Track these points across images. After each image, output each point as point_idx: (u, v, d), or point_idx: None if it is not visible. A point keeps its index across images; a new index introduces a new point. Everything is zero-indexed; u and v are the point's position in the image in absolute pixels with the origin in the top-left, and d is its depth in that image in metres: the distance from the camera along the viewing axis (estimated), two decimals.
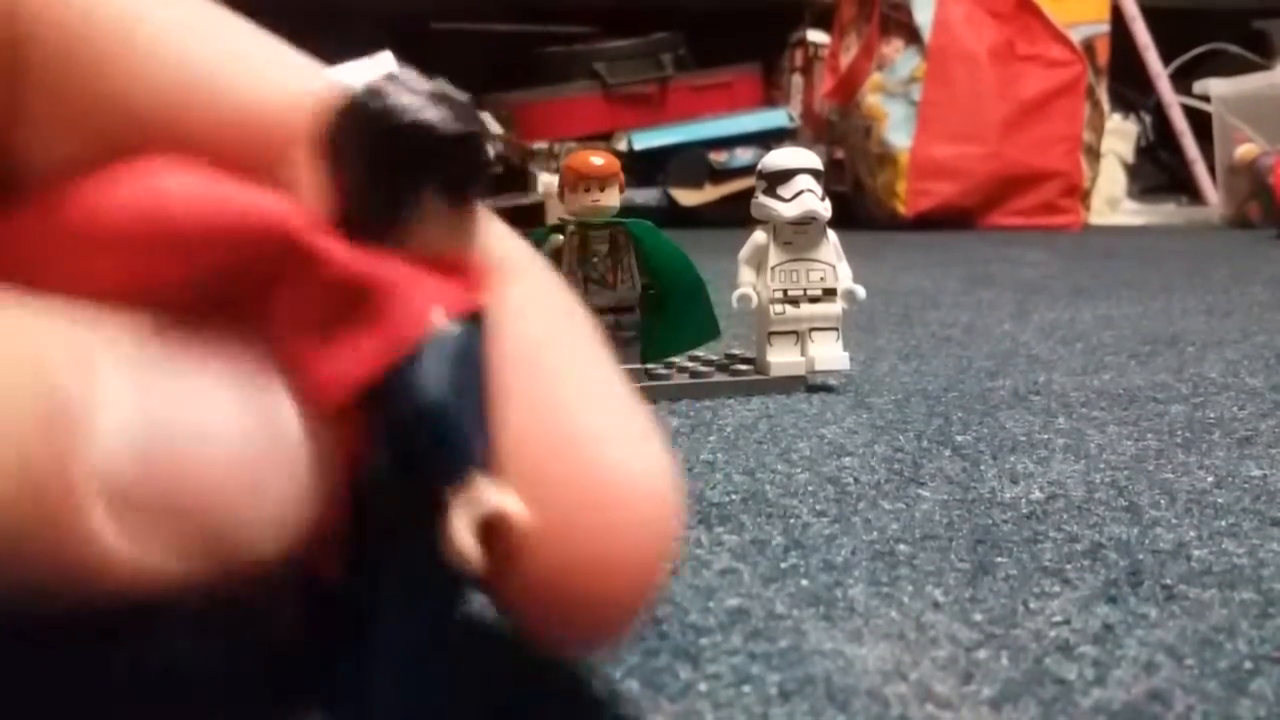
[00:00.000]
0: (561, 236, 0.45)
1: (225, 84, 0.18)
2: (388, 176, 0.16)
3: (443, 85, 0.17)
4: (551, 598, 0.17)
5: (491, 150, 0.16)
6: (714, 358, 0.50)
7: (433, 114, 0.16)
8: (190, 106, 0.18)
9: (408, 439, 0.15)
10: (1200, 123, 2.03)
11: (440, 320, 0.16)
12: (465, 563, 0.15)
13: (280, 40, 0.20)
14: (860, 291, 0.47)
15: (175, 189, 0.16)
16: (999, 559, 0.26)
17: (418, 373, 0.15)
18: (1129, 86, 2.18)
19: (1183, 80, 2.08)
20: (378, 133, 0.16)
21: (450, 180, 0.16)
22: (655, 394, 0.46)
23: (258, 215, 0.16)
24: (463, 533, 0.15)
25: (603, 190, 0.44)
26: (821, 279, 0.47)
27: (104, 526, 0.15)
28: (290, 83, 0.19)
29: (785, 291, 0.47)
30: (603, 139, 1.91)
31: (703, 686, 0.19)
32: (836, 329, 0.47)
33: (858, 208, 1.83)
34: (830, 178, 0.49)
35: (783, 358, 0.47)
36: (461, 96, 0.16)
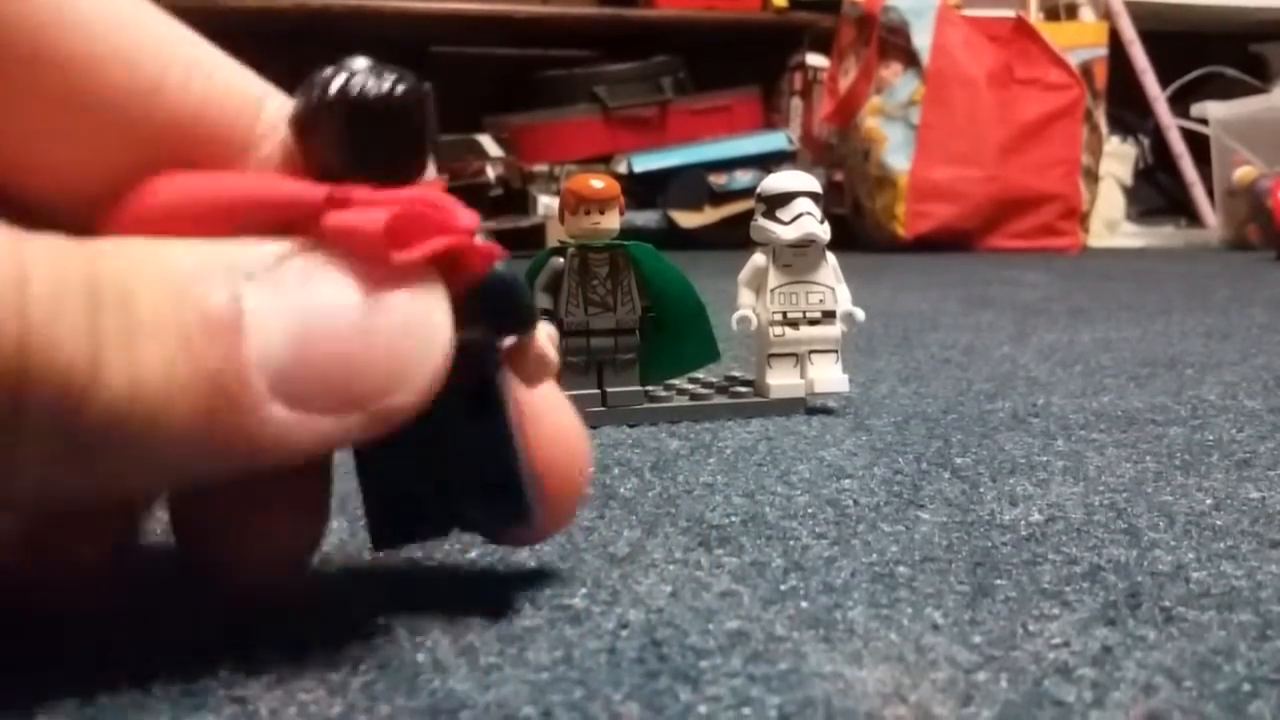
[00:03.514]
0: (562, 259, 0.45)
1: (201, 81, 0.20)
2: (355, 145, 0.20)
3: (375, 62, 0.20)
4: (543, 459, 0.23)
5: (431, 111, 0.21)
6: (714, 380, 0.50)
7: (384, 85, 0.20)
8: (166, 102, 0.21)
9: (502, 302, 0.22)
10: (1198, 145, 2.04)
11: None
12: (545, 363, 0.23)
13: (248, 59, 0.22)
14: (859, 314, 0.47)
15: (216, 183, 0.20)
16: (998, 581, 0.26)
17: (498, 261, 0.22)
18: (1127, 110, 2.19)
19: (1181, 103, 2.09)
20: (341, 109, 0.20)
21: (405, 140, 0.20)
22: (655, 416, 0.46)
23: (280, 191, 0.20)
24: (545, 344, 0.23)
25: (603, 213, 0.44)
26: (821, 301, 0.47)
27: (275, 408, 0.19)
28: (234, 81, 0.21)
29: (785, 314, 0.47)
30: (603, 162, 1.92)
31: (702, 709, 0.19)
32: (836, 351, 0.47)
33: (857, 230, 1.83)
34: (829, 200, 0.50)
35: (782, 380, 0.47)
36: (398, 70, 0.20)
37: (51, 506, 0.20)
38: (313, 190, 0.20)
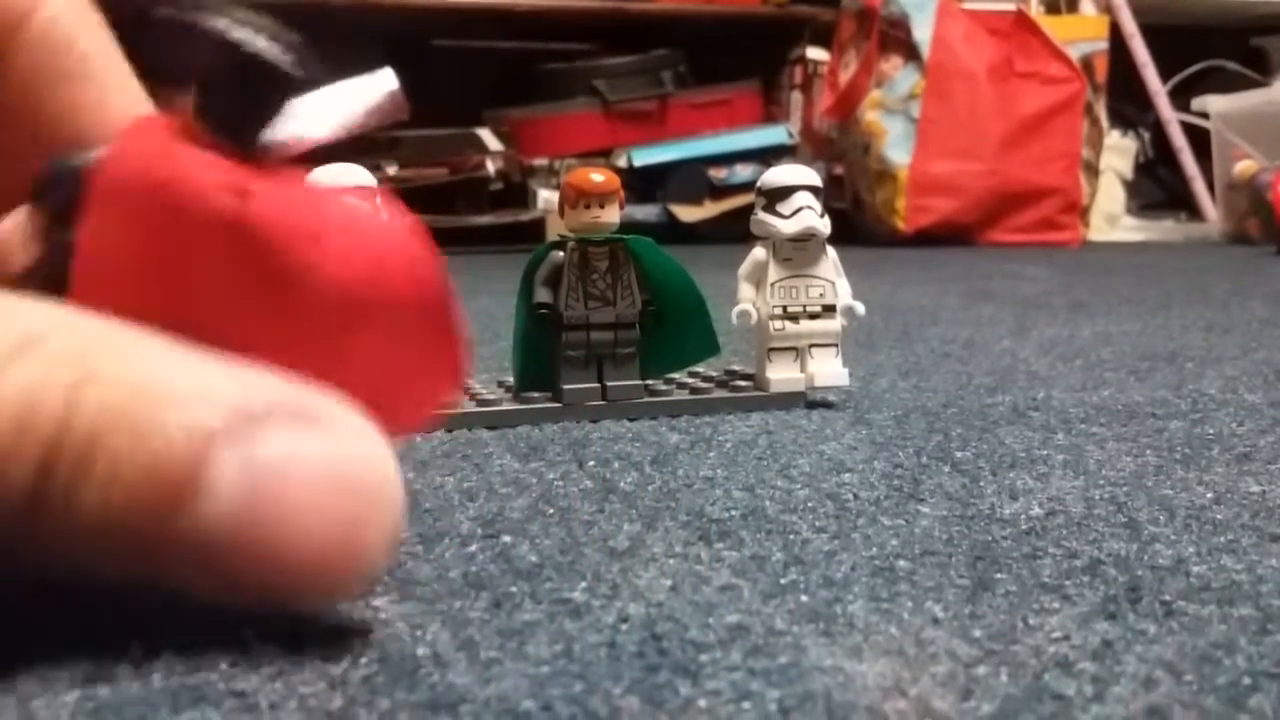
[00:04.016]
0: (562, 253, 0.45)
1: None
2: (239, 99, 0.21)
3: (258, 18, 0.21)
4: None
5: (300, 67, 0.22)
6: (714, 374, 0.50)
7: (260, 44, 0.20)
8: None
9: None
10: (1199, 139, 2.03)
11: None
12: None
13: None
14: (860, 308, 0.47)
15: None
16: (998, 575, 0.26)
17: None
18: (1128, 103, 2.19)
19: (1181, 97, 2.09)
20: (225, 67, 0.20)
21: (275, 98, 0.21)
22: (655, 410, 0.46)
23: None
24: None
25: (603, 207, 0.44)
26: (821, 295, 0.47)
27: (197, 575, 0.20)
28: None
29: (785, 308, 0.47)
30: (603, 155, 1.92)
31: (702, 703, 0.19)
32: (836, 345, 0.47)
33: (857, 224, 1.83)
34: (829, 194, 0.49)
35: (782, 374, 0.47)
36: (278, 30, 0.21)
37: None
38: (218, 195, 0.20)
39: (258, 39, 0.20)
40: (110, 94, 0.24)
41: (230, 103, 0.21)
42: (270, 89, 0.21)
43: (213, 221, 0.20)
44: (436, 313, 0.23)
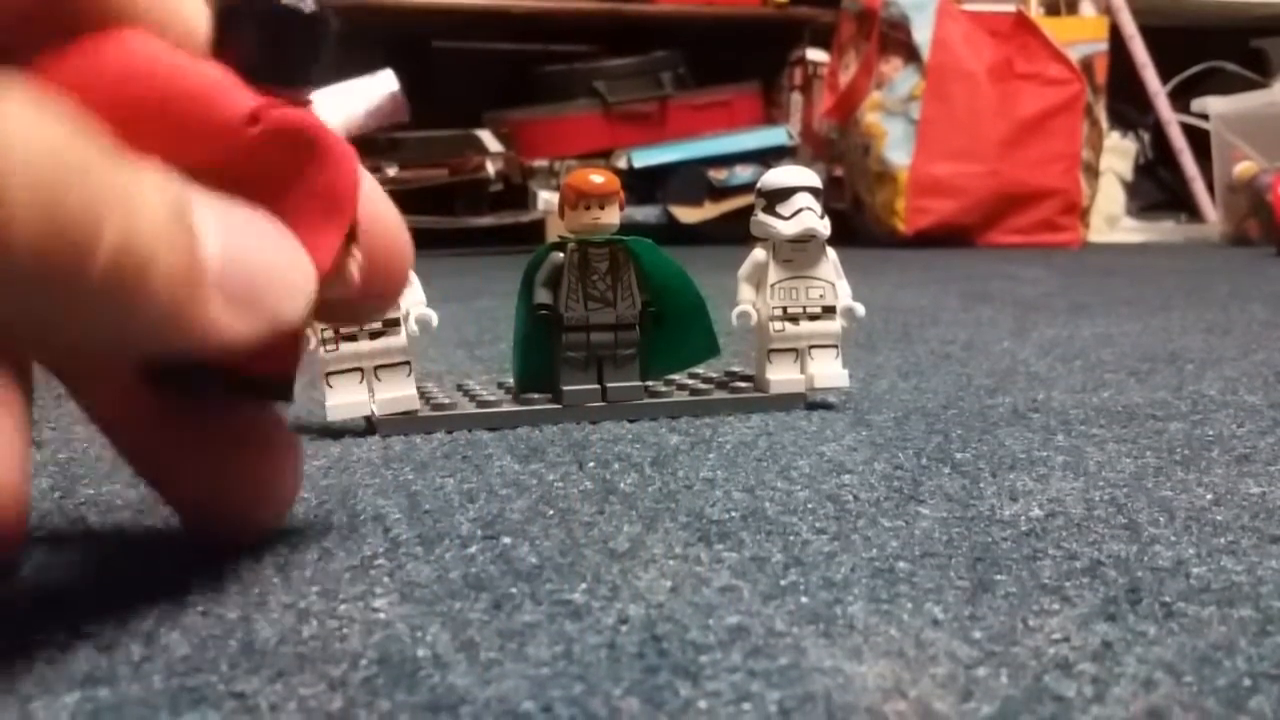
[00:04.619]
0: (562, 254, 0.45)
1: None
2: (267, 49, 0.23)
3: None
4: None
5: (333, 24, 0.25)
6: (714, 375, 0.50)
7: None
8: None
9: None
10: (1199, 140, 2.03)
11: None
12: None
13: None
14: (859, 309, 0.47)
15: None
16: (998, 576, 0.26)
17: None
18: (1128, 105, 2.19)
19: (1181, 98, 2.09)
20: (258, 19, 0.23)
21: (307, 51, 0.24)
22: (655, 411, 0.46)
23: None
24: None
25: (603, 208, 0.44)
26: (821, 296, 0.47)
27: (215, 298, 0.21)
28: None
29: (785, 309, 0.47)
30: (603, 157, 1.92)
31: (702, 704, 0.19)
32: (836, 346, 0.47)
33: (857, 225, 1.83)
34: (829, 195, 0.49)
35: (782, 375, 0.47)
36: None
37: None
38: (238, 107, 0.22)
39: None
40: None
41: (268, 51, 0.23)
42: (301, 36, 0.23)
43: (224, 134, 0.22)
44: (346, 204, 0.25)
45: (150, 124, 0.21)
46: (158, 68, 0.22)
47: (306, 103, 0.24)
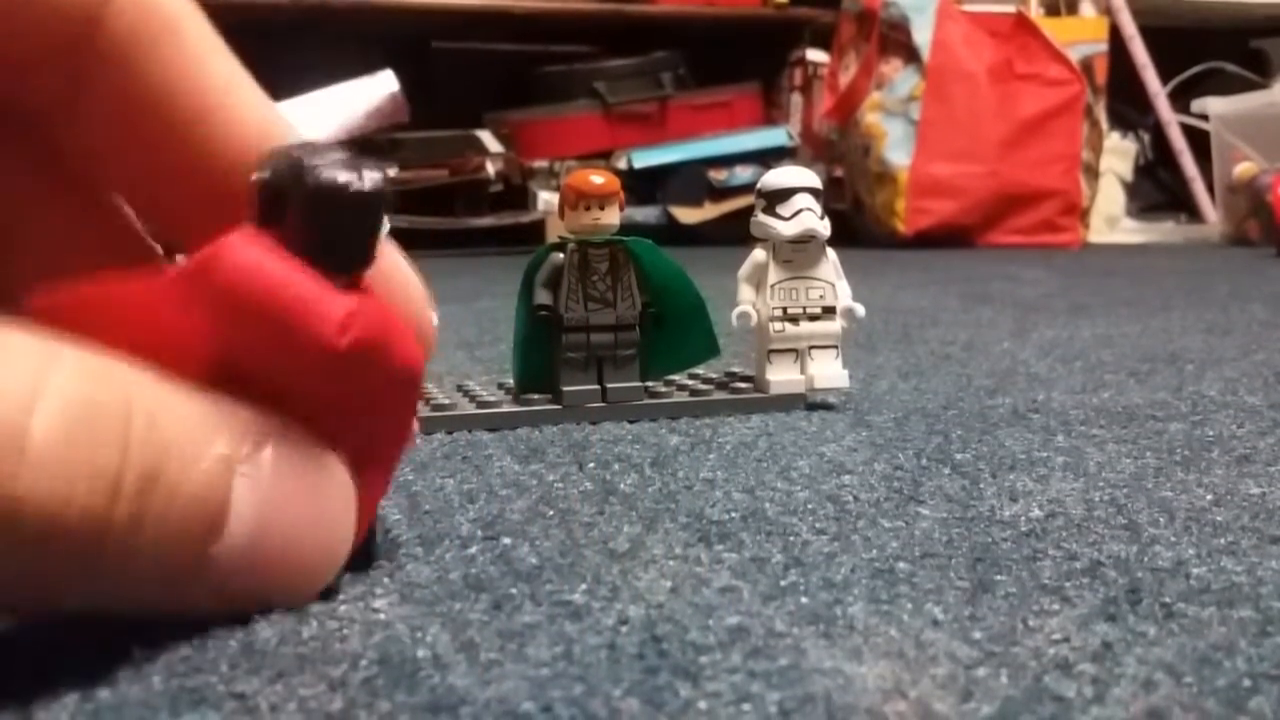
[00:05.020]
0: (562, 255, 0.45)
1: (237, 107, 0.22)
2: (322, 236, 0.21)
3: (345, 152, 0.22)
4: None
5: (386, 205, 0.22)
6: (714, 376, 0.50)
7: (345, 176, 0.21)
8: (210, 119, 0.23)
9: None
10: (1199, 141, 2.03)
11: None
12: None
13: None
14: (859, 309, 0.47)
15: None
16: (998, 577, 0.26)
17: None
18: (1127, 105, 2.19)
19: (1181, 99, 2.09)
20: (317, 202, 0.21)
21: (366, 232, 0.22)
22: (655, 412, 0.46)
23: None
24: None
25: (603, 209, 0.44)
26: (821, 297, 0.47)
27: (227, 579, 0.21)
28: (266, 124, 0.24)
29: (785, 309, 0.47)
30: (603, 157, 1.92)
31: (702, 704, 0.19)
32: (836, 347, 0.47)
33: (857, 226, 1.83)
34: (829, 196, 0.49)
35: (782, 375, 0.47)
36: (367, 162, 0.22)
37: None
38: (329, 317, 0.21)
39: (341, 173, 0.21)
40: (208, 56, 0.24)
41: (328, 233, 0.21)
42: (360, 216, 0.22)
43: (314, 349, 0.21)
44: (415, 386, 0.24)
45: (251, 336, 0.21)
46: (261, 275, 0.21)
47: (361, 285, 0.22)
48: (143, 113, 0.23)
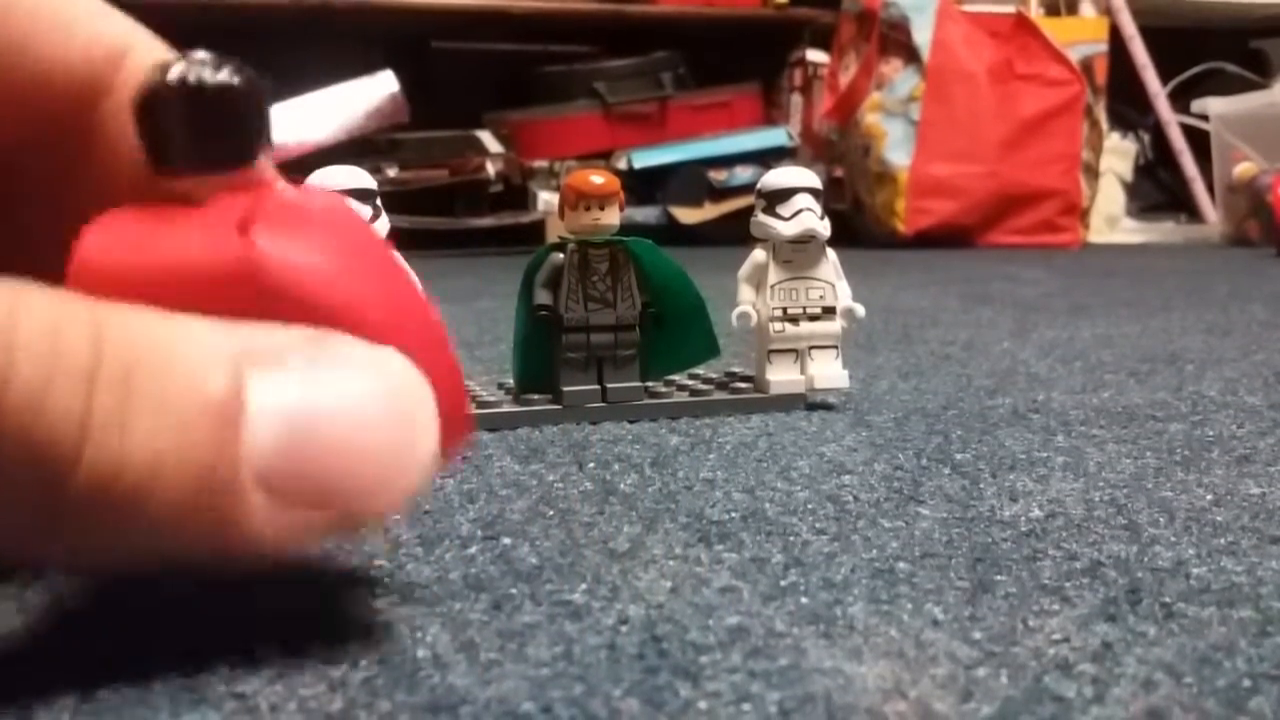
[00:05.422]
0: (562, 255, 0.45)
1: (47, 34, 0.22)
2: (192, 131, 0.21)
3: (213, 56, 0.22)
4: None
5: (266, 103, 0.22)
6: (714, 376, 0.50)
7: (221, 75, 0.21)
8: (21, 52, 0.22)
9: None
10: (1199, 141, 2.03)
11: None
12: None
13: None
14: (860, 309, 0.47)
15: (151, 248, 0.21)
16: (998, 577, 0.26)
17: None
18: (1127, 105, 2.19)
19: (1181, 99, 2.09)
20: (180, 96, 0.21)
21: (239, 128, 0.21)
22: (655, 412, 0.46)
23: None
24: None
25: (603, 209, 0.44)
26: (821, 297, 0.47)
27: (257, 501, 0.18)
28: (101, 34, 0.22)
29: (785, 310, 0.47)
30: (603, 157, 1.92)
31: (702, 704, 0.19)
32: (836, 347, 0.47)
33: (857, 226, 1.83)
34: (829, 196, 0.49)
35: (782, 376, 0.47)
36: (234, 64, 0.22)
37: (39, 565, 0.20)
38: (228, 241, 0.20)
39: (208, 69, 0.21)
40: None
41: (202, 129, 0.21)
42: (232, 107, 0.21)
43: (221, 274, 0.20)
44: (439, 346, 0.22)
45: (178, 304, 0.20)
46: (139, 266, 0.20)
47: (259, 181, 0.22)
48: None
